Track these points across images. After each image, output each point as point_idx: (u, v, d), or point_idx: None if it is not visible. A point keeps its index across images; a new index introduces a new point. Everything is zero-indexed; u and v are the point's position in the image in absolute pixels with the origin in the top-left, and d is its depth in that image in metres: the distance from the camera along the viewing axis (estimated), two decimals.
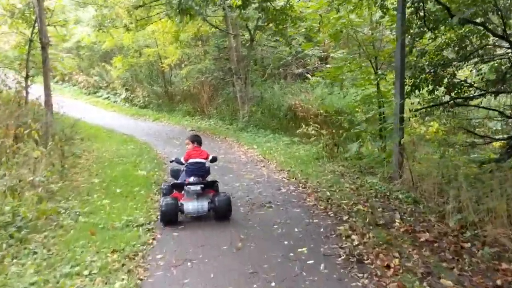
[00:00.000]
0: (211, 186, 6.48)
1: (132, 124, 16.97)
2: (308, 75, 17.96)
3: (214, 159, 6.77)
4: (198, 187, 6.15)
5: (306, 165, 9.42)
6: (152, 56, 20.62)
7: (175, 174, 7.11)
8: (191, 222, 6.15)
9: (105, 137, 13.95)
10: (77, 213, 6.37)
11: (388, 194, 6.99)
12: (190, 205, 6.10)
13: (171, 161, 7.03)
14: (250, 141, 12.72)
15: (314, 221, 6.06)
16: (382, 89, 9.75)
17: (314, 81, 16.92)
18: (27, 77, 13.53)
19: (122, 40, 20.20)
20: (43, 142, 9.07)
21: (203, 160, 6.56)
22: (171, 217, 5.95)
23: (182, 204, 6.09)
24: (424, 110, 7.79)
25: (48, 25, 13.05)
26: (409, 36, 7.50)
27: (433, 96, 7.66)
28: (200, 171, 6.50)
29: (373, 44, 10.17)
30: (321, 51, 17.42)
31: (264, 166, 9.70)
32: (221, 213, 6.09)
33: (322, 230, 5.69)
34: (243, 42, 16.77)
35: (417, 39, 7.54)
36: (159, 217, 6.11)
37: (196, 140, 6.75)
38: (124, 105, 21.30)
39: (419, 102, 7.99)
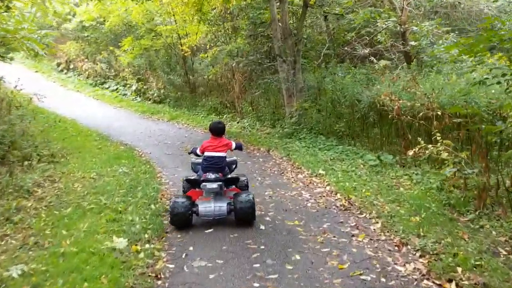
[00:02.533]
0: (234, 183, 5.58)
1: (139, 127, 12.58)
2: (373, 58, 13.04)
3: (238, 147, 5.70)
4: (214, 185, 5.15)
5: (438, 224, 4.73)
6: (169, 35, 16.18)
7: (195, 167, 5.82)
8: None
9: (93, 149, 9.59)
10: None
11: None
12: (206, 206, 5.14)
13: (189, 153, 5.96)
14: (310, 160, 8.04)
15: None
16: None
17: (383, 65, 12.11)
18: None
19: (130, 15, 15.80)
20: None
21: (220, 154, 5.43)
22: (182, 220, 5.08)
23: (196, 205, 5.16)
24: None
25: None
26: None
27: None
28: (216, 166, 5.38)
29: None
30: (398, 23, 12.47)
31: (357, 227, 4.98)
32: (241, 216, 5.11)
33: None
34: (292, 10, 12.01)
35: None
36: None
37: (213, 129, 5.53)
38: (135, 99, 16.98)
39: None
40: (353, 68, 11.78)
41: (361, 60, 13.82)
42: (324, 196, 6.20)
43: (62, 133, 11.05)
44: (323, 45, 12.60)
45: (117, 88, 18.36)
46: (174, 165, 8.38)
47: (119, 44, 17.34)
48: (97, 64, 19.50)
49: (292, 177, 7.34)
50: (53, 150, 8.79)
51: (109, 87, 18.77)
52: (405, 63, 12.16)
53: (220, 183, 5.18)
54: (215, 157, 5.39)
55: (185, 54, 15.99)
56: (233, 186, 5.59)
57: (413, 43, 11.40)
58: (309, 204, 5.90)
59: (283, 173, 7.67)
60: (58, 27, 21.60)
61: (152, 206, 5.74)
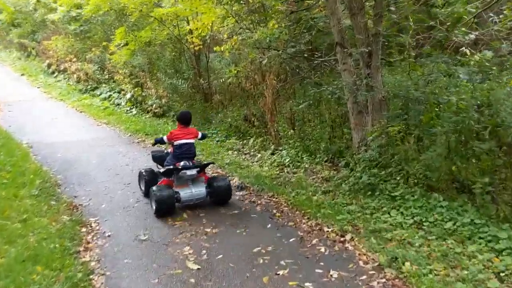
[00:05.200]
0: (203, 169, 5.96)
1: (120, 161, 8.06)
2: (469, 49, 8.05)
3: (203, 137, 6.46)
4: (194, 171, 5.68)
5: None
6: (175, 24, 11.68)
7: (158, 158, 6.26)
8: None
9: (11, 224, 5.10)
10: None
11: None
12: (187, 192, 5.62)
13: (153, 144, 6.74)
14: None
15: None
16: None
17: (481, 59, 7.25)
18: None
19: None
20: None
21: (191, 141, 6.00)
22: (168, 208, 5.45)
23: (177, 192, 5.57)
24: None
25: None
26: None
27: None
28: (190, 153, 5.92)
29: None
30: None
31: None
32: (221, 197, 5.78)
33: None
34: None
35: None
36: (153, 208, 5.45)
37: (182, 118, 6.11)
38: (129, 111, 12.51)
39: None
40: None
41: (455, 49, 8.78)
42: None
43: None
44: (419, 24, 7.60)
45: (109, 96, 13.98)
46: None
47: (112, 37, 12.95)
48: (85, 65, 15.16)
49: None
50: None
51: (100, 94, 14.41)
52: None
53: (198, 169, 5.69)
54: (188, 144, 5.90)
55: (196, 49, 11.42)
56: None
57: None
58: None
59: None
60: (43, 19, 17.48)
61: None
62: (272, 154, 8.13)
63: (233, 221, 5.22)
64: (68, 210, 5.70)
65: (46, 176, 7.06)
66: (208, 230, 4.98)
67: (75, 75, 15.71)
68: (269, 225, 5.02)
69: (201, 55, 12.04)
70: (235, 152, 8.53)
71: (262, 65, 9.56)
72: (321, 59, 8.36)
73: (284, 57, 8.76)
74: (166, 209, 5.42)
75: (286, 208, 5.53)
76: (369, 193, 5.79)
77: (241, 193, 6.24)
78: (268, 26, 8.96)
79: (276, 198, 5.93)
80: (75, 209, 5.79)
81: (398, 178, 5.85)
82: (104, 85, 14.79)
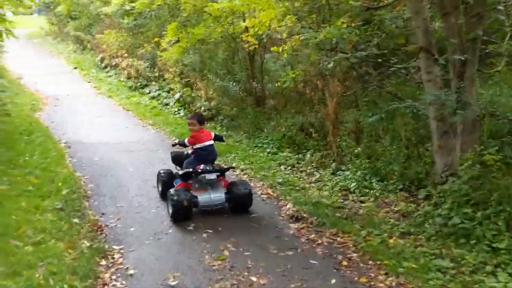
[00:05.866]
0: (223, 174, 5.58)
1: (142, 185, 7.11)
2: None
3: (218, 138, 5.97)
4: (214, 176, 5.33)
5: None
6: (230, 21, 10.75)
7: (178, 159, 5.87)
8: None
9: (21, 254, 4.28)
10: None
11: None
12: (205, 197, 5.28)
13: (173, 145, 6.24)
14: None
15: None
16: None
17: None
18: None
19: None
20: None
21: (212, 142, 5.63)
22: (185, 213, 5.13)
23: (195, 197, 5.23)
24: None
25: None
26: None
27: None
28: (212, 155, 5.62)
29: None
30: None
31: None
32: (241, 205, 5.41)
33: None
34: None
35: None
36: (170, 212, 5.13)
37: (202, 119, 5.74)
38: (177, 113, 11.69)
39: None
40: None
41: None
42: None
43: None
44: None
45: (158, 95, 13.26)
46: None
47: (164, 33, 12.21)
48: (135, 62, 14.58)
49: None
50: None
51: (149, 92, 13.74)
52: None
53: (218, 173, 5.35)
54: (211, 146, 5.58)
55: (250, 49, 10.39)
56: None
57: None
58: None
59: None
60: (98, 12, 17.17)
61: None
62: (333, 174, 6.93)
63: (287, 268, 4.09)
64: (91, 233, 4.80)
65: (76, 185, 6.25)
66: (255, 279, 3.88)
67: (125, 71, 15.18)
68: (334, 281, 3.84)
69: (256, 56, 11.01)
70: (289, 168, 7.40)
71: (324, 69, 8.37)
72: (397, 66, 7.05)
73: (353, 62, 7.52)
74: (183, 214, 5.13)
75: (355, 255, 4.32)
76: (463, 240, 4.49)
77: (296, 226, 5.10)
78: (335, 25, 7.75)
79: (341, 238, 4.74)
80: (99, 231, 4.89)
81: (499, 224, 4.52)
82: (153, 83, 14.11)
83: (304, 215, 5.36)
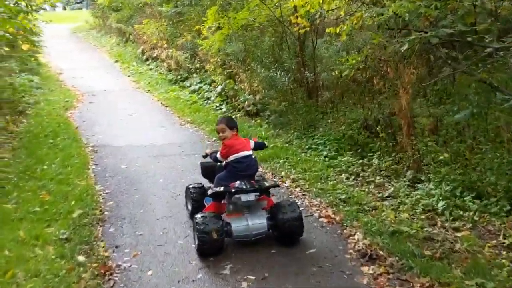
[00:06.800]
0: (266, 192, 4.31)
1: (171, 204, 5.83)
2: None
3: (259, 146, 4.65)
4: (252, 196, 4.01)
5: None
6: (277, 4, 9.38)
7: (208, 172, 4.66)
8: None
9: None
10: None
11: None
12: (242, 225, 3.99)
13: (204, 156, 4.70)
14: None
15: None
16: None
17: None
18: None
19: None
20: None
21: (250, 153, 4.30)
22: (215, 246, 3.89)
23: (228, 224, 3.98)
24: None
25: None
26: None
27: None
28: (251, 169, 4.27)
29: None
30: None
31: None
32: (288, 234, 4.07)
33: None
34: None
35: None
36: (195, 245, 3.95)
37: (234, 124, 4.39)
38: (219, 108, 10.48)
39: None
40: None
41: None
42: None
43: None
44: None
45: (200, 88, 12.11)
46: None
47: (204, 20, 11.01)
48: (176, 52, 13.49)
49: None
50: None
51: (190, 85, 12.63)
52: None
53: (257, 193, 4.04)
54: (248, 158, 4.25)
55: (301, 32, 8.92)
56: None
57: None
58: None
59: None
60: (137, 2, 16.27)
61: None
62: (411, 186, 5.41)
63: None
64: (95, 279, 3.64)
65: (92, 203, 5.15)
66: None
67: (165, 63, 14.17)
68: None
69: (306, 42, 9.54)
70: (352, 177, 5.94)
71: (393, 53, 6.81)
72: (494, 46, 5.37)
73: (434, 42, 5.91)
74: (212, 249, 3.94)
75: None
76: None
77: (371, 270, 3.68)
78: None
79: None
80: (107, 276, 3.71)
81: None
82: (194, 75, 13.00)
83: (380, 252, 3.93)
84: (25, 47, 11.90)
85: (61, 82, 13.64)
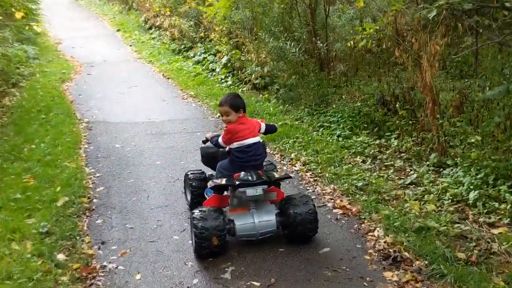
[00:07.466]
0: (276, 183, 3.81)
1: (167, 191, 5.29)
2: None
3: (270, 130, 3.92)
4: (258, 190, 3.37)
5: None
6: None
7: (210, 159, 4.04)
8: None
9: None
10: None
11: None
12: (247, 223, 3.42)
13: (204, 141, 4.06)
14: None
15: None
16: None
17: None
18: None
19: None
20: None
21: (258, 139, 3.65)
22: (216, 250, 3.37)
23: (232, 221, 3.41)
24: None
25: None
26: None
27: None
28: (257, 158, 3.64)
29: None
30: None
31: None
32: (301, 233, 3.50)
33: None
34: None
35: None
36: (192, 243, 3.45)
37: (240, 104, 3.65)
38: (224, 81, 9.83)
39: None
40: None
41: None
42: None
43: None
44: None
45: (204, 59, 11.43)
46: None
47: None
48: (178, 20, 12.74)
49: None
50: None
51: (194, 56, 11.94)
52: None
53: (265, 186, 3.40)
54: (255, 145, 3.60)
55: None
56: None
57: None
58: None
59: None
60: None
61: None
62: (436, 171, 4.83)
63: None
64: (75, 284, 3.15)
65: (80, 190, 4.64)
66: None
67: (168, 32, 13.45)
68: None
69: (318, 8, 8.78)
70: (369, 160, 5.35)
71: (416, 21, 6.11)
72: None
73: (465, 9, 5.20)
74: (210, 253, 3.39)
75: None
76: None
77: (395, 276, 3.15)
78: None
79: None
80: (89, 281, 3.22)
81: None
82: (199, 45, 12.29)
83: (406, 253, 3.39)
84: (19, 15, 11.24)
85: (59, 52, 13.01)
